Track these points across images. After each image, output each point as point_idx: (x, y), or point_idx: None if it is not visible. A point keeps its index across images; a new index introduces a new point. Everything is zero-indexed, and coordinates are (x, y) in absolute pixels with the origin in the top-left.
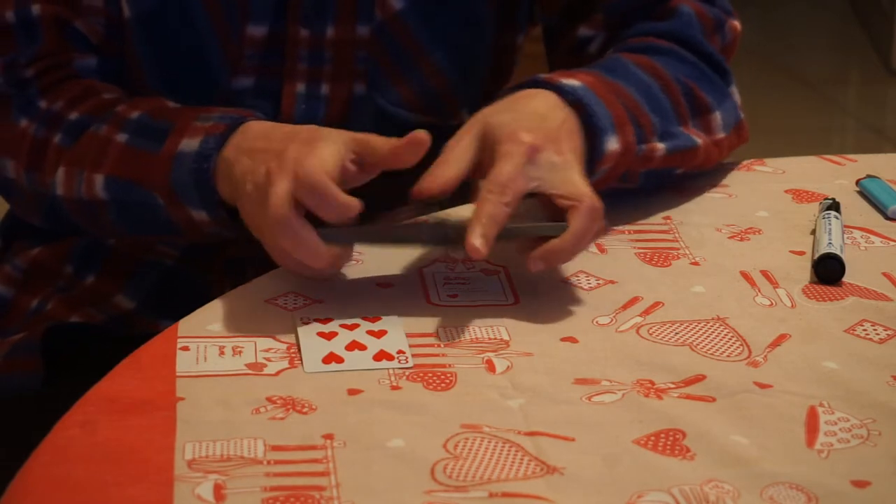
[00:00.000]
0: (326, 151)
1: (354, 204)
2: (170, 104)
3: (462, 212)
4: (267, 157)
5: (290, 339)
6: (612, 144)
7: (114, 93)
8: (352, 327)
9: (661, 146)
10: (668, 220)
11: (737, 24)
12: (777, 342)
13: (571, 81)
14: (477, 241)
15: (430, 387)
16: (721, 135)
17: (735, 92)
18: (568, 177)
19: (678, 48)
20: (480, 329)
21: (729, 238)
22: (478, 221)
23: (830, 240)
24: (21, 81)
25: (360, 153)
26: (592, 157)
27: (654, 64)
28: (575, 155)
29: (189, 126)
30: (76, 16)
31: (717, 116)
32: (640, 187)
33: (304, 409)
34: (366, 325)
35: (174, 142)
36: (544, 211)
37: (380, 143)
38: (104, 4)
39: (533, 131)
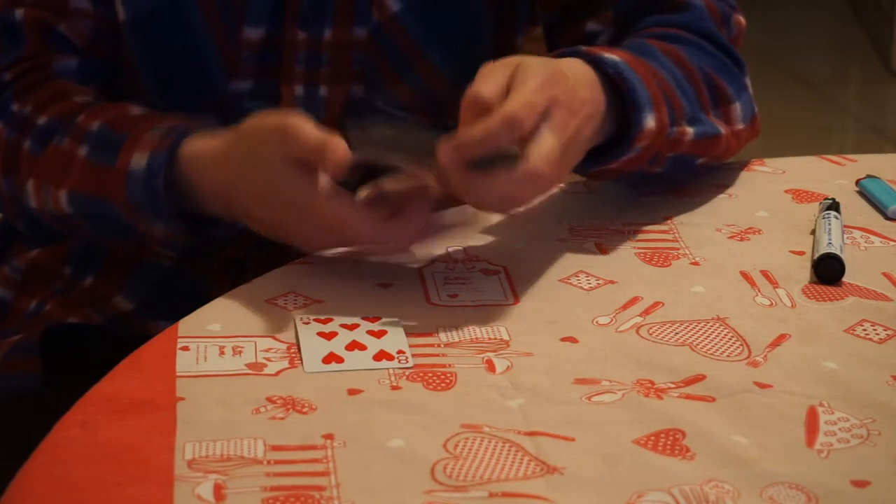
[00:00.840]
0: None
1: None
2: (131, 111)
3: None
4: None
5: (290, 339)
6: (650, 122)
7: (85, 95)
8: (352, 327)
9: (690, 130)
10: (669, 220)
11: (741, 18)
12: (777, 342)
13: (612, 56)
14: (444, 151)
15: (430, 387)
16: (740, 126)
17: (749, 84)
18: (549, 140)
19: (697, 39)
20: (480, 329)
21: (729, 238)
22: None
23: (830, 240)
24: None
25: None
26: (629, 133)
27: (678, 51)
28: (577, 134)
29: (140, 139)
30: (61, 19)
31: (737, 107)
32: (665, 173)
33: (304, 409)
34: (366, 325)
35: (126, 157)
36: None
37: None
38: (93, 8)
39: (559, 85)
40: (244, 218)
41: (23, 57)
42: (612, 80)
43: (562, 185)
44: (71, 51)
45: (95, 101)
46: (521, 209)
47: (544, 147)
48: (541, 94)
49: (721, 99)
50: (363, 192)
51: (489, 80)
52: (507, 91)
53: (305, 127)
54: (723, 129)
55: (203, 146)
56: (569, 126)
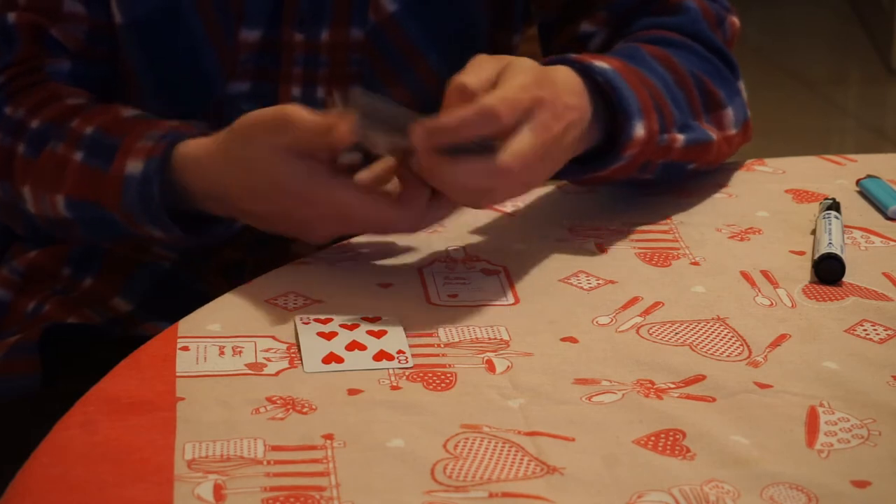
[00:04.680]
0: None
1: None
2: (124, 114)
3: None
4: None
5: (290, 339)
6: (639, 130)
7: (79, 97)
8: (352, 327)
9: (680, 137)
10: (668, 220)
11: (736, 20)
12: (777, 342)
13: (601, 64)
14: (417, 132)
15: (430, 387)
16: (732, 131)
17: (742, 88)
18: (526, 139)
19: (690, 42)
20: (480, 329)
21: (729, 238)
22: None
23: (831, 240)
24: None
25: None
26: (619, 141)
27: (669, 56)
28: (559, 138)
29: (133, 146)
30: (54, 23)
31: (729, 112)
32: (656, 180)
33: (304, 409)
34: (366, 325)
35: (121, 163)
36: None
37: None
38: (87, 11)
39: (545, 88)
40: (240, 214)
41: (15, 60)
42: (601, 88)
43: (562, 184)
44: (63, 54)
45: (89, 103)
46: (497, 207)
47: (520, 145)
48: (526, 92)
49: (713, 104)
50: (362, 174)
51: (478, 70)
52: (494, 85)
53: (303, 113)
54: (714, 135)
55: (196, 146)
56: (550, 129)
